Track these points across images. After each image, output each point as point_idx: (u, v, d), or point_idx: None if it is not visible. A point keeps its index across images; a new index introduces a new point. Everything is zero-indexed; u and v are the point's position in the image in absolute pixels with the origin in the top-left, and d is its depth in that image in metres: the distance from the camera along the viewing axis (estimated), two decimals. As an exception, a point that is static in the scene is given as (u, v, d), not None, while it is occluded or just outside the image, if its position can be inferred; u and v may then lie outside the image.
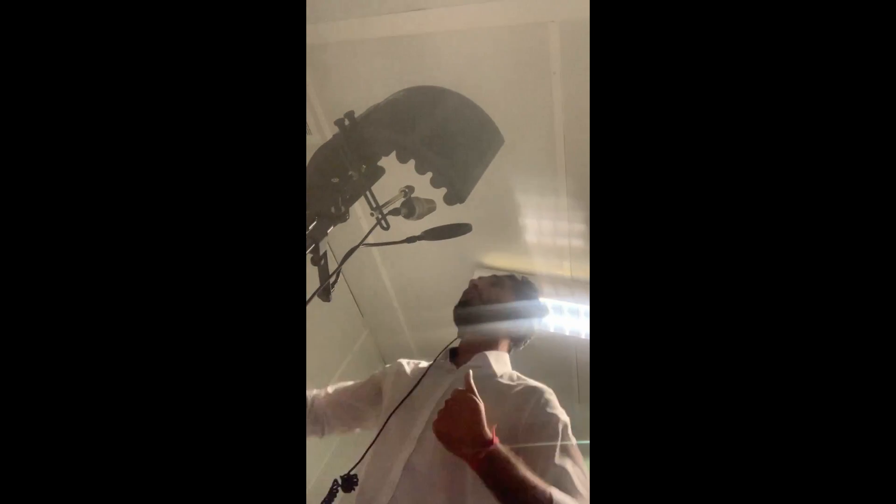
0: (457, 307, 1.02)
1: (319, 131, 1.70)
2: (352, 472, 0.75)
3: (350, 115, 0.69)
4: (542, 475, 0.68)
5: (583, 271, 1.76)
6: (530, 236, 1.76)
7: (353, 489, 0.74)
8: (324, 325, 2.13)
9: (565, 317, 1.89)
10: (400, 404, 0.85)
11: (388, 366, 1.04)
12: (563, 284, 1.82)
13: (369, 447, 0.80)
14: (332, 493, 0.74)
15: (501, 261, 1.89)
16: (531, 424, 0.77)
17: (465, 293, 1.04)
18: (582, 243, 1.67)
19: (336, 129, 0.69)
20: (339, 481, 0.74)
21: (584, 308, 1.83)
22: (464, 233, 0.80)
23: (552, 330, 1.93)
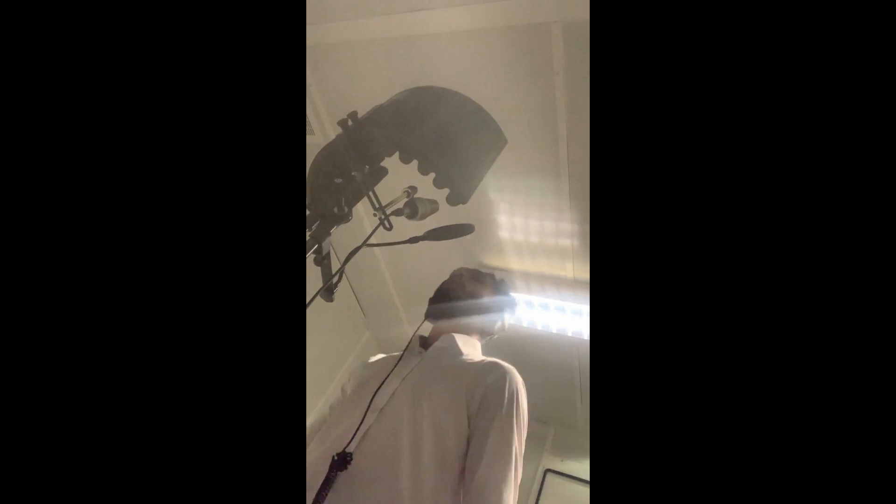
0: (436, 296, 1.04)
1: (322, 132, 1.70)
2: (348, 451, 0.74)
3: (353, 115, 0.69)
4: (480, 452, 0.75)
5: (585, 272, 1.76)
6: (533, 237, 1.76)
7: (346, 468, 0.73)
8: (326, 324, 2.13)
9: (568, 317, 1.89)
10: (381, 385, 0.85)
11: (353, 369, 1.05)
12: (565, 285, 1.82)
13: (360, 423, 0.78)
14: (329, 477, 0.71)
15: (503, 261, 1.89)
16: (486, 396, 0.80)
17: (447, 284, 1.07)
18: (584, 244, 1.67)
19: (339, 130, 0.69)
20: (335, 458, 0.73)
21: (586, 309, 1.83)
22: (466, 233, 0.80)
23: (555, 331, 1.92)
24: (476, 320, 1.03)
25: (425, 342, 1.00)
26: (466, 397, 0.80)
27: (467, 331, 1.02)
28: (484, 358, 0.91)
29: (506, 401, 0.79)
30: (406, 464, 0.73)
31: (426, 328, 1.04)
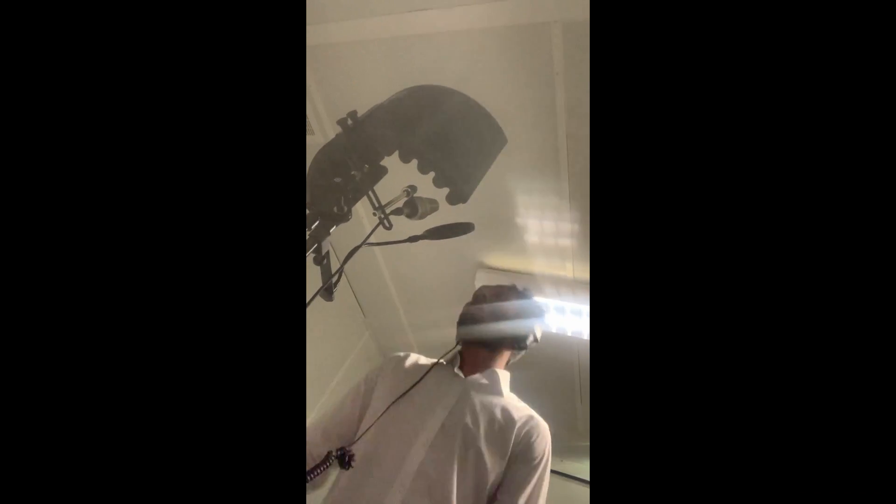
0: (463, 319, 1.03)
1: (322, 131, 1.70)
2: (349, 449, 0.75)
3: (353, 114, 0.69)
4: (518, 486, 0.82)
5: (585, 272, 1.75)
6: (533, 237, 1.76)
7: (349, 468, 0.73)
8: (326, 324, 2.13)
9: (567, 317, 1.89)
10: (403, 395, 0.87)
11: (383, 363, 1.05)
12: (565, 285, 1.82)
13: (368, 428, 0.80)
14: (324, 463, 0.72)
15: (504, 261, 1.89)
16: (522, 452, 0.86)
17: (473, 308, 1.05)
18: (584, 244, 1.66)
19: (339, 129, 0.69)
20: (335, 453, 0.73)
21: (587, 309, 1.82)
22: (466, 232, 0.79)
23: (555, 331, 1.92)
24: (508, 338, 1.02)
25: (464, 364, 1.00)
26: (509, 452, 0.85)
27: (499, 358, 1.01)
28: (523, 408, 0.94)
29: (544, 458, 0.87)
30: (454, 498, 0.78)
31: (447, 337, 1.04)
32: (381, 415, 0.87)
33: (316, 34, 1.44)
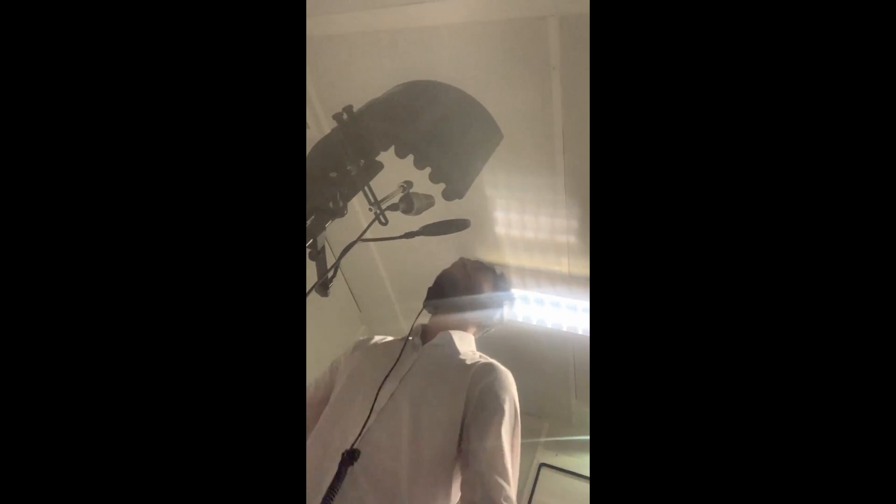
0: (437, 284, 1.04)
1: (318, 125, 1.69)
2: (354, 447, 0.75)
3: (348, 109, 0.68)
4: (479, 450, 0.76)
5: (580, 268, 1.76)
6: (528, 232, 1.76)
7: (353, 463, 0.74)
8: (322, 319, 2.13)
9: (562, 312, 1.89)
10: (386, 377, 0.86)
11: (348, 349, 1.05)
12: (560, 281, 1.83)
13: (366, 422, 0.79)
14: (340, 473, 0.72)
15: (499, 257, 1.90)
16: (482, 399, 0.82)
17: (451, 272, 1.06)
18: (579, 239, 1.67)
19: (334, 124, 0.69)
20: (345, 455, 0.73)
21: (582, 304, 1.83)
22: (462, 228, 0.79)
23: (550, 326, 1.93)
24: (476, 313, 1.03)
25: (425, 334, 1.00)
26: (464, 400, 0.82)
27: (465, 324, 1.02)
28: (479, 359, 0.92)
29: (503, 401, 0.83)
30: (405, 465, 0.76)
31: (425, 315, 1.04)
32: (338, 391, 0.87)
33: (311, 27, 1.43)
